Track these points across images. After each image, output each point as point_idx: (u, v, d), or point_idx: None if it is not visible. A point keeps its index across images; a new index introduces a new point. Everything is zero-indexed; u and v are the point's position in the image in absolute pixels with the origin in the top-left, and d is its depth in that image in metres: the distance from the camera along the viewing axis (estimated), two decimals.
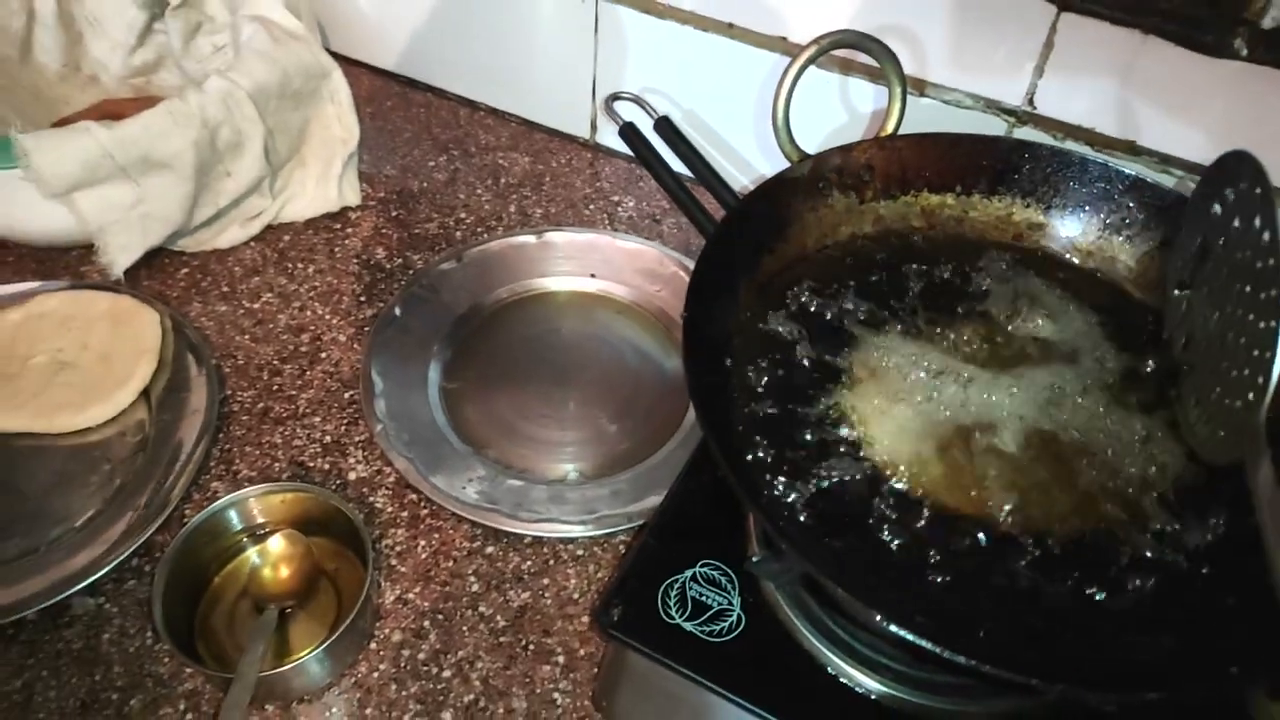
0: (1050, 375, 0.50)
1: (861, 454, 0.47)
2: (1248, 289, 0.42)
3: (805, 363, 0.50)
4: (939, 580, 0.42)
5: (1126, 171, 0.55)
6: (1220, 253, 0.46)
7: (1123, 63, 0.76)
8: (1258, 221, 0.42)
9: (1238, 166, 0.45)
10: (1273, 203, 0.41)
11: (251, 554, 0.61)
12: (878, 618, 0.38)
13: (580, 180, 0.89)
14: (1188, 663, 0.39)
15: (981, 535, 0.44)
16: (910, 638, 0.37)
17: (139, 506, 0.62)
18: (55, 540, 0.61)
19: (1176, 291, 0.50)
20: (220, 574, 0.60)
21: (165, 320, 0.72)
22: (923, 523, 0.44)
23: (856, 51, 0.63)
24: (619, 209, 0.86)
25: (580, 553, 0.63)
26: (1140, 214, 0.55)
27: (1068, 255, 0.57)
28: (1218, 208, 0.48)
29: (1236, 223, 0.45)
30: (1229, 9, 0.75)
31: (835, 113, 0.77)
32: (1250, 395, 0.40)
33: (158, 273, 0.78)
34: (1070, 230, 0.57)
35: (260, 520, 0.61)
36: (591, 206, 0.87)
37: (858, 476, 0.46)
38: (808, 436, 0.47)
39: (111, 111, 0.81)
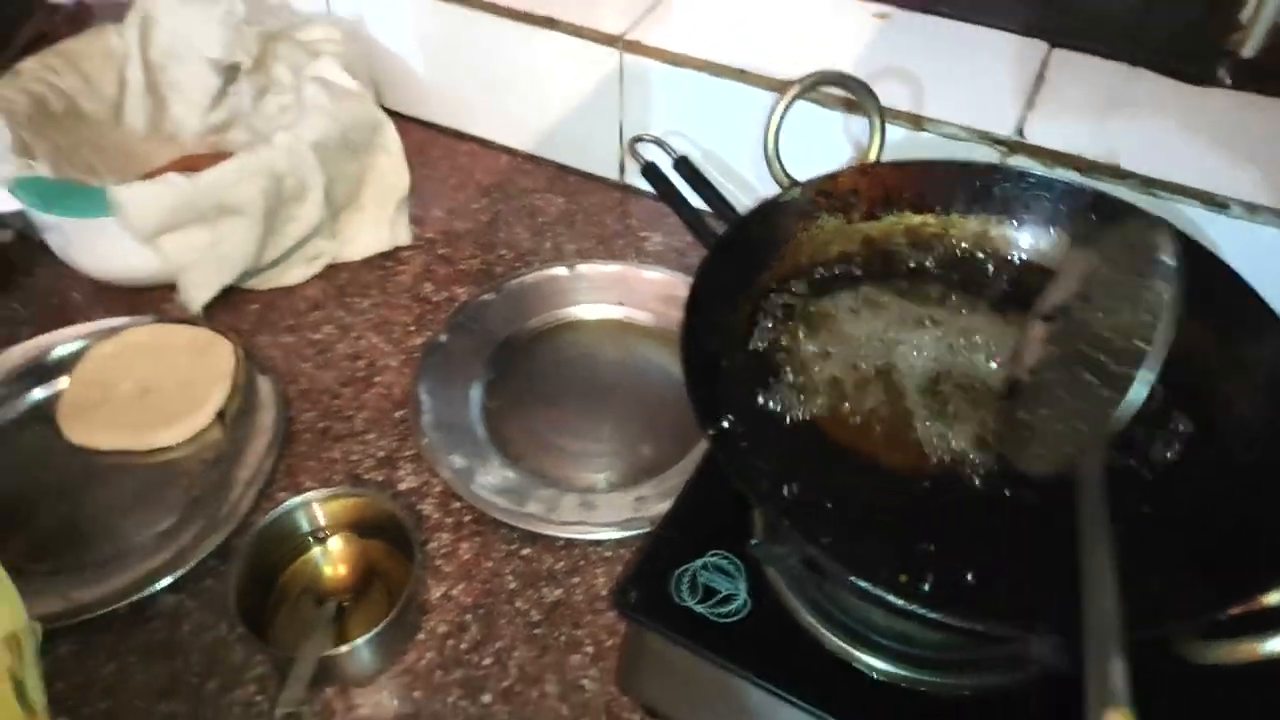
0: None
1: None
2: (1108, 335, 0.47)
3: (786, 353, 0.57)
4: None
5: (1086, 187, 0.60)
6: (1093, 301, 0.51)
7: (1110, 93, 0.81)
8: (1154, 284, 0.45)
9: (1157, 239, 0.47)
10: (1181, 276, 0.44)
11: (314, 553, 0.68)
12: (859, 581, 0.43)
13: (610, 218, 0.96)
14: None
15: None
16: (902, 603, 0.42)
17: (214, 515, 0.70)
18: (140, 544, 0.69)
19: (1040, 322, 0.55)
20: (287, 571, 0.67)
21: (238, 350, 0.80)
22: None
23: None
24: (645, 243, 0.93)
25: (608, 554, 0.69)
26: (1102, 226, 0.60)
27: (1035, 262, 0.62)
28: (1104, 262, 0.52)
29: (1119, 278, 0.49)
30: (1212, 41, 0.80)
31: (838, 144, 0.83)
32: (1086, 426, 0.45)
33: (230, 308, 0.87)
34: (1040, 243, 0.62)
35: (322, 523, 0.68)
36: (620, 241, 0.93)
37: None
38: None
39: (190, 165, 0.89)
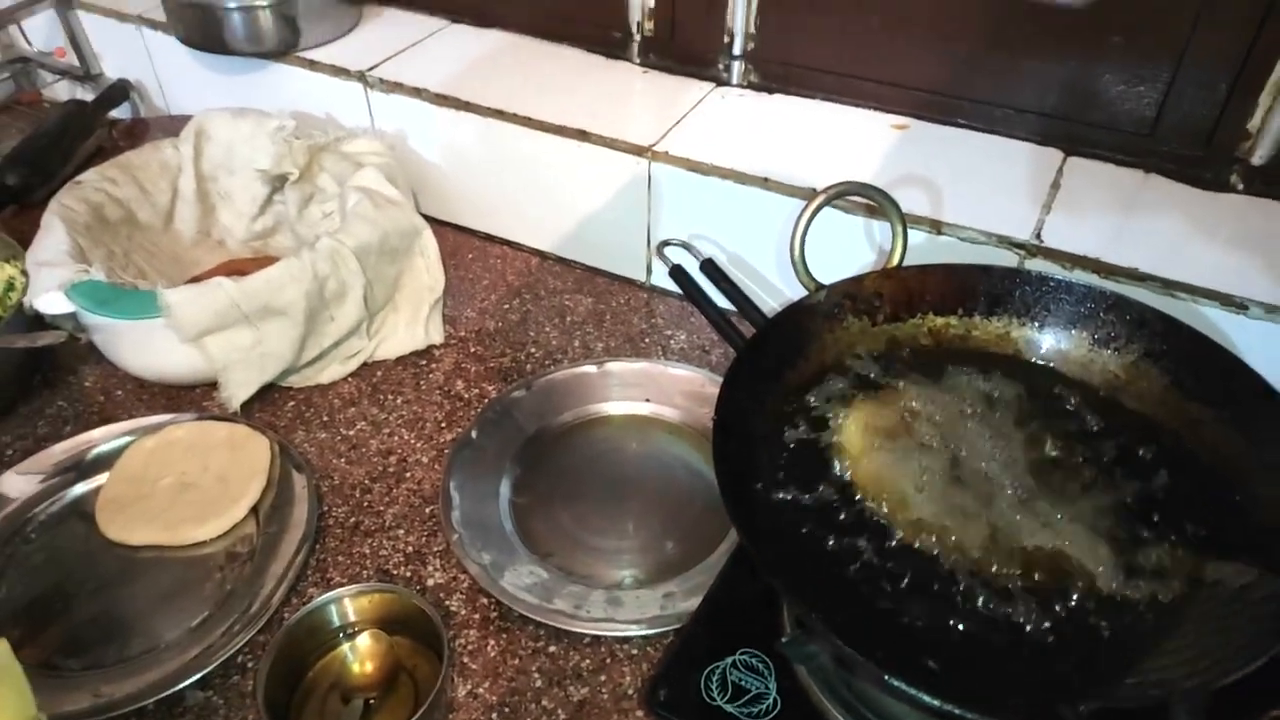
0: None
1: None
2: None
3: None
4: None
5: (1107, 290, 0.62)
6: None
7: (1126, 198, 0.84)
8: None
9: None
10: None
11: (343, 649, 0.68)
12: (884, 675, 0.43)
13: (637, 317, 0.99)
14: None
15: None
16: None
17: (245, 610, 0.70)
18: (172, 640, 0.69)
19: None
20: (315, 667, 0.67)
21: (274, 446, 0.82)
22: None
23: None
24: (671, 341, 0.95)
25: (635, 651, 0.68)
26: (1123, 329, 0.61)
27: (1059, 367, 0.63)
28: None
29: None
30: (1223, 149, 0.83)
31: (860, 248, 0.86)
32: None
33: (268, 405, 0.89)
34: (1063, 344, 0.63)
35: (351, 619, 0.68)
36: (647, 340, 0.96)
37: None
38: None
39: (236, 269, 0.94)
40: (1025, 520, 0.53)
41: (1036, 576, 0.50)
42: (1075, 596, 0.49)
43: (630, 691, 0.66)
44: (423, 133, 1.08)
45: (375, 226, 0.91)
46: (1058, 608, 0.49)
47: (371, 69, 1.08)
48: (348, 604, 0.67)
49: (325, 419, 0.88)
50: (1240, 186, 0.83)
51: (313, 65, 1.12)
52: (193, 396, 0.90)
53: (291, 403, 0.90)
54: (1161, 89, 0.83)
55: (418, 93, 1.05)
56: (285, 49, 1.12)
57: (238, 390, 0.87)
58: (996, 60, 0.89)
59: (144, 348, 0.87)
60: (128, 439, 0.83)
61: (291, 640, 0.66)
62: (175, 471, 0.80)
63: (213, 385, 0.88)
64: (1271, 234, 0.79)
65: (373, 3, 1.22)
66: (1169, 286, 0.75)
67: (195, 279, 0.98)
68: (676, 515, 0.78)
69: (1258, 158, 0.81)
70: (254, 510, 0.78)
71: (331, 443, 0.86)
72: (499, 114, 1.01)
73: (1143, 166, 0.87)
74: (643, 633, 0.68)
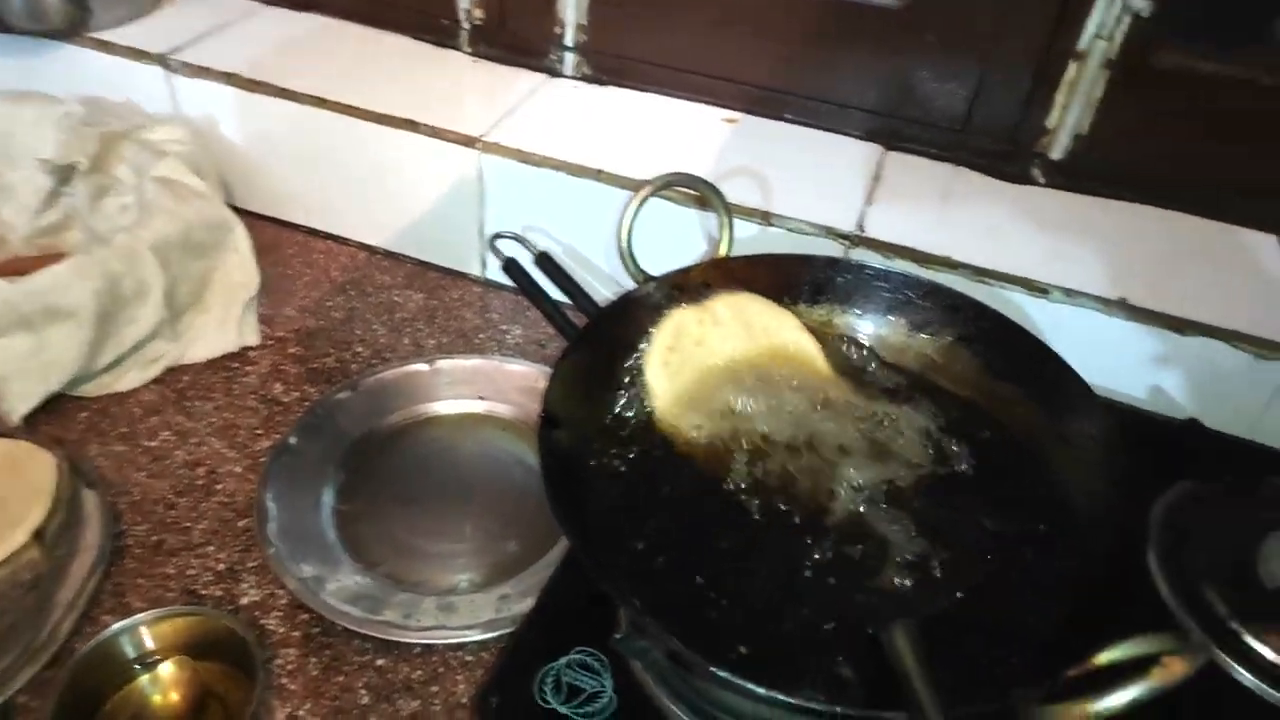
0: None
1: None
2: None
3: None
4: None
5: (922, 278, 0.64)
6: None
7: (941, 190, 0.88)
8: None
9: None
10: None
11: (141, 681, 0.62)
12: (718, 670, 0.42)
13: (471, 312, 0.96)
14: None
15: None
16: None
17: (28, 644, 0.63)
18: None
19: None
20: (111, 701, 0.61)
21: (61, 463, 0.74)
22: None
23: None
24: (507, 336, 0.93)
25: (469, 658, 0.65)
26: (937, 314, 0.63)
27: (878, 351, 0.65)
28: None
29: None
30: (1026, 144, 0.88)
31: (694, 239, 0.86)
32: None
33: (57, 416, 0.80)
34: (882, 330, 0.65)
35: (151, 647, 0.62)
36: (481, 335, 0.93)
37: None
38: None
39: (17, 269, 0.84)
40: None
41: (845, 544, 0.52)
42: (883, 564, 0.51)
43: (464, 700, 0.63)
44: (235, 121, 1.01)
45: (176, 219, 0.84)
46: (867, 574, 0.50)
47: (174, 51, 1.00)
48: (143, 632, 0.61)
49: (124, 430, 0.81)
50: (1042, 180, 0.89)
51: (107, 47, 1.02)
52: None
53: (84, 413, 0.82)
54: (972, 87, 0.87)
55: (228, 77, 0.98)
56: (74, 28, 1.02)
57: (18, 403, 0.78)
58: (820, 57, 0.92)
59: None
60: None
61: (81, 675, 0.59)
62: None
63: None
64: (1069, 224, 0.84)
65: None
66: (979, 274, 0.78)
67: None
68: (513, 514, 0.76)
69: (1056, 153, 0.87)
70: (38, 534, 0.70)
71: (131, 455, 0.78)
72: (320, 101, 0.95)
73: (955, 160, 0.91)
74: (478, 638, 0.65)
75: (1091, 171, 0.87)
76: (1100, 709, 0.39)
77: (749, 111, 0.97)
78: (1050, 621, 0.47)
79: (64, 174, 0.94)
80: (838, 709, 0.41)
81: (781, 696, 0.41)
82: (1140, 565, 0.60)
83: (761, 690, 0.41)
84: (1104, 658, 0.42)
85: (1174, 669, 0.38)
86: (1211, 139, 0.82)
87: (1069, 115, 0.85)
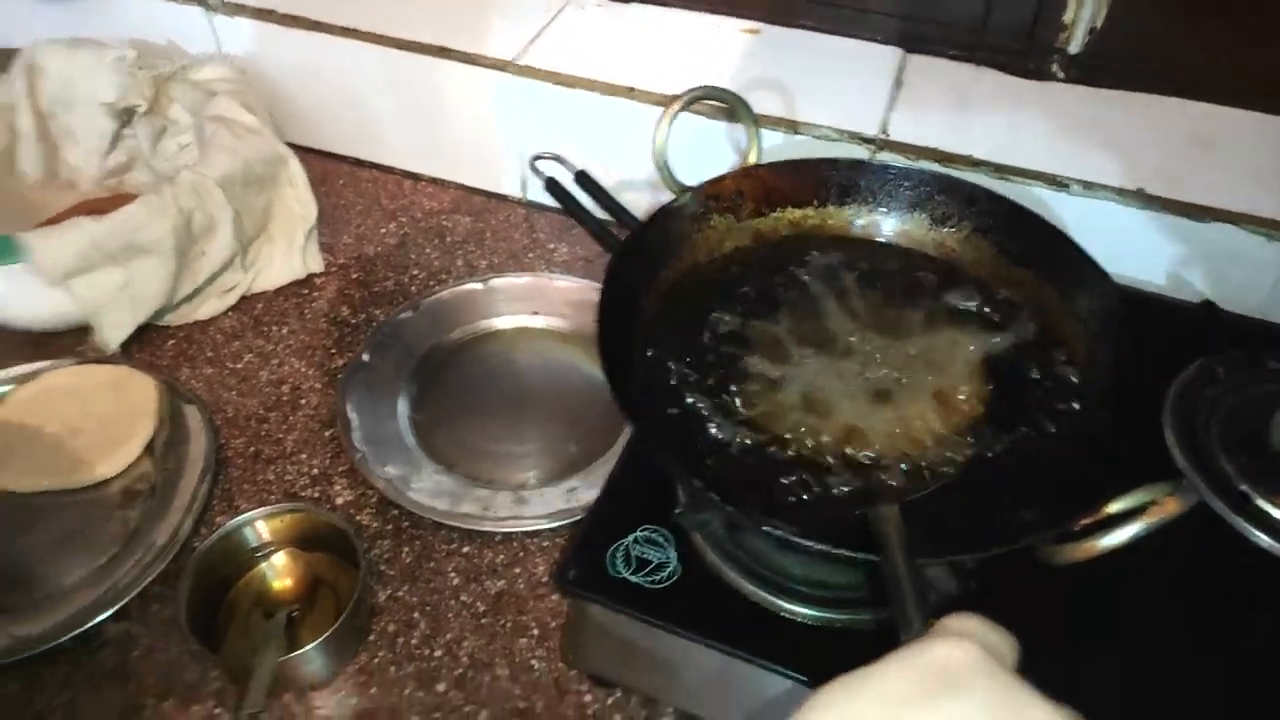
0: None
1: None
2: None
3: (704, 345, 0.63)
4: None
5: (939, 174, 0.69)
6: None
7: (961, 90, 0.91)
8: None
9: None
10: None
11: (261, 569, 0.70)
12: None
13: (518, 233, 1.01)
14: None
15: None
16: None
17: (153, 543, 0.71)
18: (82, 579, 0.70)
19: None
20: (234, 588, 0.69)
21: (160, 384, 0.81)
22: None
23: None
24: (554, 254, 0.98)
25: (545, 544, 0.73)
26: (955, 207, 0.68)
27: (904, 244, 0.70)
28: None
29: None
30: (1043, 40, 0.90)
31: (723, 151, 0.90)
32: None
33: (147, 345, 0.88)
34: (906, 225, 0.70)
35: (266, 539, 0.70)
36: (530, 255, 0.98)
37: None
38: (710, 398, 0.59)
39: (93, 209, 0.90)
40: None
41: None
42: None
43: (544, 579, 0.71)
44: (275, 57, 1.05)
45: (236, 156, 0.89)
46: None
47: None
48: (260, 525, 0.69)
49: (210, 354, 0.88)
50: (1061, 75, 0.91)
51: None
52: (67, 342, 0.87)
53: (172, 341, 0.89)
54: None
55: (264, 14, 1.02)
56: None
57: (113, 332, 0.85)
58: None
59: (7, 295, 0.84)
60: (2, 389, 0.81)
61: (208, 563, 0.67)
62: (60, 418, 0.79)
63: (84, 330, 0.86)
64: (1088, 118, 0.87)
65: None
66: (1001, 171, 0.82)
67: (48, 222, 0.93)
68: (573, 418, 0.82)
69: (1073, 47, 0.89)
70: (149, 448, 0.78)
71: (220, 377, 0.86)
72: (352, 32, 0.99)
73: (976, 60, 0.94)
74: (550, 525, 0.73)
75: (1110, 64, 0.89)
76: (1104, 545, 0.45)
77: (767, 20, 1.00)
78: (1068, 481, 0.53)
79: (125, 117, 0.99)
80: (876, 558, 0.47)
81: (832, 549, 0.47)
82: (1158, 439, 0.64)
83: (813, 544, 0.48)
84: (1114, 507, 0.48)
85: (1169, 507, 0.45)
86: (1226, 27, 0.84)
87: (1085, 8, 0.87)
